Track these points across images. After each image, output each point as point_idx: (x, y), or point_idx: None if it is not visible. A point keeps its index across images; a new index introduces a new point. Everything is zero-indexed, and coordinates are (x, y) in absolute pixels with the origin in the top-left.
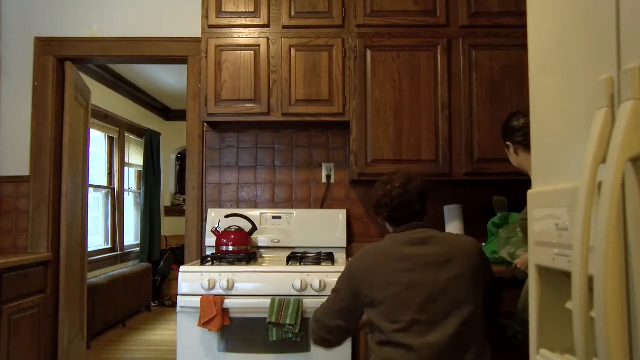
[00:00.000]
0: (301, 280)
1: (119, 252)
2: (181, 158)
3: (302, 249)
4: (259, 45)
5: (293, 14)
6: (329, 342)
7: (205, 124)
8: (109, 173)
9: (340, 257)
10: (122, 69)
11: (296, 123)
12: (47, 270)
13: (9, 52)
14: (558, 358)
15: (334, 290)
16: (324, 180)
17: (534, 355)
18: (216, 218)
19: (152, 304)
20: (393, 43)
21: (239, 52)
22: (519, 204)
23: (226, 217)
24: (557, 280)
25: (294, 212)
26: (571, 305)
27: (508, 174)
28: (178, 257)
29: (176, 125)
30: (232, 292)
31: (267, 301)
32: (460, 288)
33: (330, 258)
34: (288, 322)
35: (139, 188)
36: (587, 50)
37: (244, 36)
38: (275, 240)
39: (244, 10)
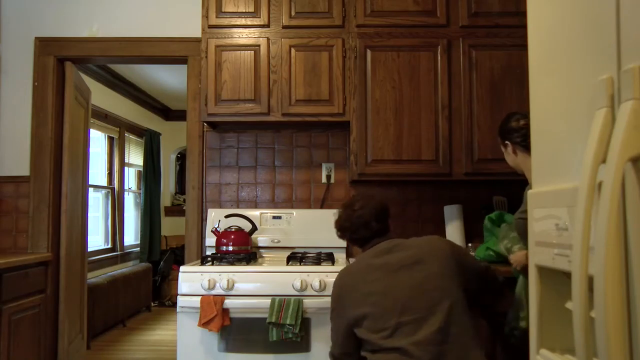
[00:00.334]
0: (301, 280)
1: (119, 252)
2: (181, 158)
3: (302, 249)
4: (259, 45)
5: (293, 14)
6: None
7: (205, 124)
8: (109, 173)
9: (340, 257)
10: (122, 69)
11: (296, 123)
12: (47, 270)
13: (9, 52)
14: (558, 358)
15: (331, 323)
16: (324, 180)
17: (534, 355)
18: (216, 218)
19: (152, 304)
20: (393, 43)
21: (239, 52)
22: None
23: (226, 217)
24: (557, 280)
25: (294, 212)
26: (571, 305)
27: (508, 174)
28: (178, 257)
29: (176, 125)
30: (232, 292)
31: (267, 301)
32: (436, 284)
33: (330, 258)
34: (288, 322)
35: (139, 188)
36: (587, 50)
37: (244, 36)
38: (275, 240)
39: (244, 10)
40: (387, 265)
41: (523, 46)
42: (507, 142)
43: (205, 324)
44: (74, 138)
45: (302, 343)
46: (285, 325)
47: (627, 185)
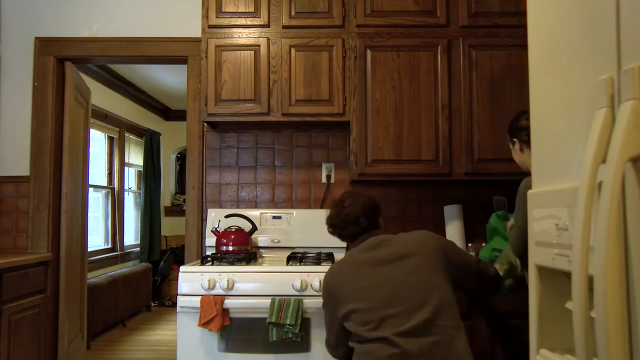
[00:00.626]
0: (301, 280)
1: (119, 252)
2: (181, 158)
3: (302, 249)
4: (259, 45)
5: (293, 14)
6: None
7: (205, 124)
8: (109, 173)
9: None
10: (122, 69)
11: (296, 123)
12: (47, 270)
13: (9, 52)
14: (558, 358)
15: (324, 313)
16: (324, 180)
17: (534, 355)
18: (216, 218)
19: (152, 304)
20: (393, 43)
21: (239, 52)
22: None
23: (226, 217)
24: (557, 280)
25: (294, 212)
26: (571, 305)
27: (508, 174)
28: (178, 257)
29: (176, 125)
30: (232, 292)
31: (267, 301)
32: (422, 277)
33: (330, 258)
34: (288, 322)
35: (139, 188)
36: (587, 50)
37: (244, 36)
38: (275, 240)
39: (244, 10)
40: (374, 260)
41: (523, 46)
42: (514, 139)
43: (205, 324)
44: (74, 138)
45: (302, 343)
46: (285, 325)
47: (627, 185)
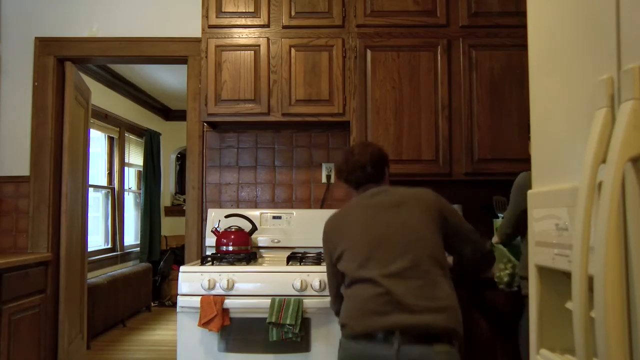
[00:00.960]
0: (301, 280)
1: (119, 252)
2: (181, 158)
3: (302, 249)
4: (259, 45)
5: (293, 14)
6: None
7: (205, 124)
8: (109, 173)
9: None
10: (122, 69)
11: (296, 123)
12: (47, 270)
13: (9, 52)
14: (558, 358)
15: (326, 274)
16: (324, 180)
17: (534, 355)
18: (216, 218)
19: (152, 304)
20: (393, 43)
21: (239, 52)
22: None
23: (226, 217)
24: (557, 280)
25: (294, 212)
26: (571, 305)
27: (508, 174)
28: (178, 257)
29: (176, 125)
30: (232, 292)
31: (267, 301)
32: (414, 225)
33: None
34: (288, 322)
35: (139, 188)
36: (587, 50)
37: (244, 36)
38: (275, 240)
39: (244, 10)
40: (370, 206)
41: (523, 46)
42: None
43: (205, 324)
44: (74, 138)
45: (302, 343)
46: (285, 325)
47: (627, 185)
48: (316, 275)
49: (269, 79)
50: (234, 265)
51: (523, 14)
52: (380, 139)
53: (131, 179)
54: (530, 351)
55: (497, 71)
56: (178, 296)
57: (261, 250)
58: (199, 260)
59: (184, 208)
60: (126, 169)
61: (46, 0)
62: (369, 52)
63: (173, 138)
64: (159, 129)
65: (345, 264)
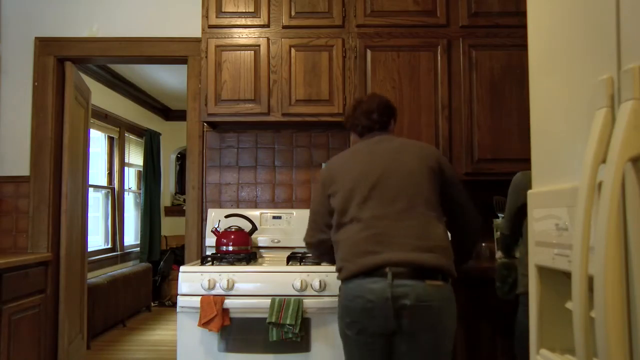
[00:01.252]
0: (301, 280)
1: (119, 252)
2: (181, 158)
3: (302, 249)
4: (259, 45)
5: (293, 14)
6: (321, 259)
7: (205, 124)
8: (109, 173)
9: None
10: (122, 69)
11: (296, 123)
12: (47, 270)
13: (9, 52)
14: (558, 358)
15: (311, 208)
16: None
17: (534, 355)
18: (216, 218)
19: (152, 304)
20: (393, 43)
21: (239, 52)
22: None
23: (226, 217)
24: (557, 280)
25: (294, 212)
26: (571, 305)
27: (508, 174)
28: (178, 257)
29: (176, 125)
30: (232, 292)
31: (267, 301)
32: (411, 171)
33: None
34: (288, 322)
35: (139, 188)
36: (587, 50)
37: (244, 36)
38: (275, 240)
39: (244, 10)
40: (371, 150)
41: (523, 46)
42: None
43: (205, 324)
44: (74, 138)
45: (302, 343)
46: (285, 325)
47: (627, 185)
48: (316, 275)
49: (269, 79)
50: (234, 265)
51: (523, 14)
52: None
53: (131, 179)
54: (530, 351)
55: (497, 71)
56: (178, 296)
57: (261, 250)
58: (199, 260)
59: (184, 208)
60: (126, 169)
61: (46, 0)
62: (369, 52)
63: (173, 138)
64: (159, 129)
65: (340, 200)
